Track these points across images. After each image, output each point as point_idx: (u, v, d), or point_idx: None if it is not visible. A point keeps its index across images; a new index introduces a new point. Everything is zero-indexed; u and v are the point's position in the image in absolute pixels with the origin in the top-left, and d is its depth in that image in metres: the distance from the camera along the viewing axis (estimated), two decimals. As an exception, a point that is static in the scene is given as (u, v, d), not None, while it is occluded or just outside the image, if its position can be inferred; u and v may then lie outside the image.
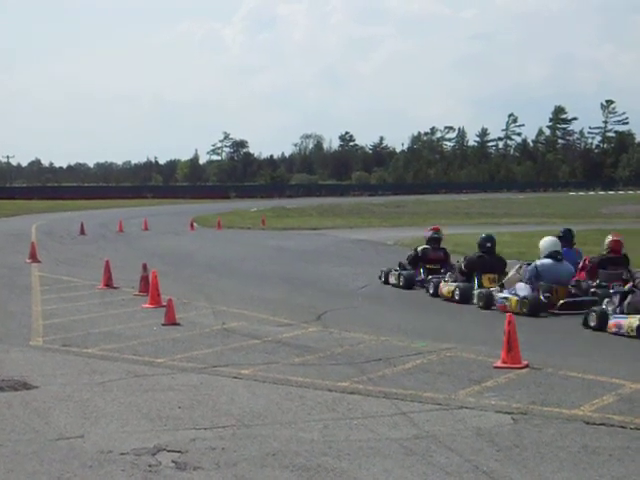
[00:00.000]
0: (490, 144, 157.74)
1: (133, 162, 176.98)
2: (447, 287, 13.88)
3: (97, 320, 11.81)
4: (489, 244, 14.15)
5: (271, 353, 9.40)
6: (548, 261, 12.65)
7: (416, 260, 15.76)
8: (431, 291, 14.35)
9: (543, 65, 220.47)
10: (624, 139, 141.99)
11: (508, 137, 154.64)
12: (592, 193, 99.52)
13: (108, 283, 15.25)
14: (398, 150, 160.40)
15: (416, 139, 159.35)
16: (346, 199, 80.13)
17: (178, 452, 5.80)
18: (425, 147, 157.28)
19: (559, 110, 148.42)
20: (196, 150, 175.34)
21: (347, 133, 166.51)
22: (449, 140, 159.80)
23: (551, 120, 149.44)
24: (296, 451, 5.81)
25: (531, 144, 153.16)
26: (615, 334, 10.45)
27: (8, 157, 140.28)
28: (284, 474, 5.37)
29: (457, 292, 13.52)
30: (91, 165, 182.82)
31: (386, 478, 5.32)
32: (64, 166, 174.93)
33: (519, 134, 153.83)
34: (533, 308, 11.98)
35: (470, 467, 5.46)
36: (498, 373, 8.18)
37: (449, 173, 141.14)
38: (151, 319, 11.72)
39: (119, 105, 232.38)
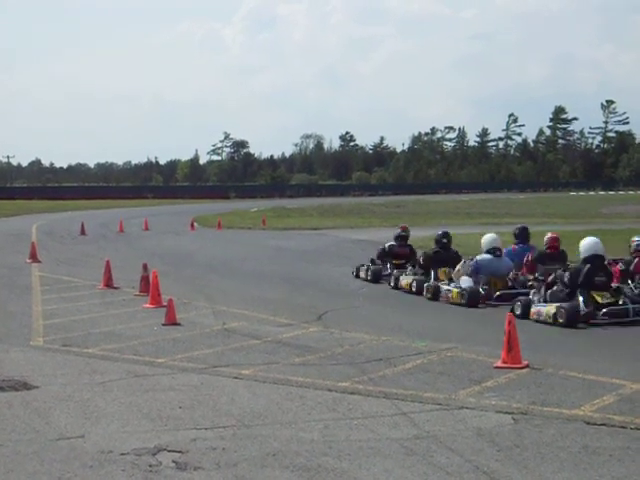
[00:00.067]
0: (490, 144, 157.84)
1: (133, 162, 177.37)
2: (405, 280, 15.17)
3: (97, 320, 11.82)
4: (445, 240, 15.32)
5: (271, 353, 9.40)
6: (487, 256, 13.76)
7: (384, 255, 17.05)
8: (392, 284, 15.50)
9: (543, 65, 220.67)
10: (624, 139, 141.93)
11: (508, 137, 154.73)
12: (592, 193, 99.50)
13: (108, 283, 15.25)
14: (398, 150, 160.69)
15: (416, 139, 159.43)
16: (346, 199, 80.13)
17: (179, 452, 5.80)
18: (425, 147, 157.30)
19: (559, 110, 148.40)
20: (196, 150, 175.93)
21: (347, 133, 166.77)
22: (449, 140, 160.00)
23: (551, 120, 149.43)
24: (296, 451, 5.81)
25: (531, 144, 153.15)
26: (536, 321, 11.52)
27: (8, 157, 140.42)
28: (284, 474, 5.37)
29: (414, 284, 14.70)
30: (91, 165, 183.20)
31: (386, 478, 5.32)
32: (64, 166, 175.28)
33: (519, 134, 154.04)
34: (471, 299, 13.07)
35: (471, 467, 5.46)
36: (498, 373, 8.18)
37: (449, 173, 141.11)
38: (151, 319, 11.72)
39: (119, 105, 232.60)
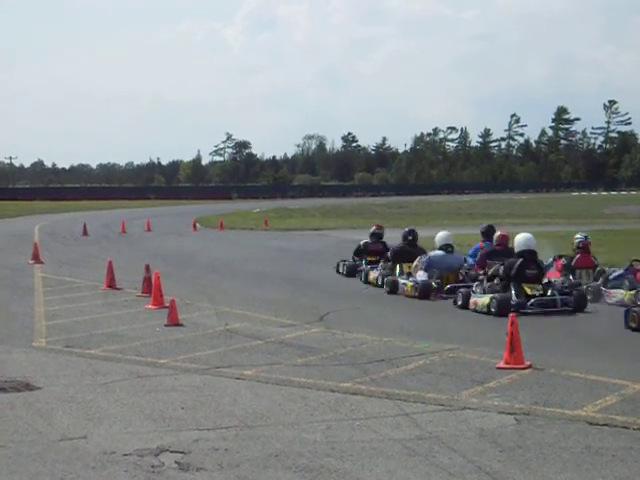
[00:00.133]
0: (493, 145, 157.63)
1: (136, 163, 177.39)
2: (373, 274, 16.18)
3: (100, 321, 11.82)
4: (410, 237, 16.15)
5: (274, 354, 9.40)
6: (440, 252, 14.82)
7: (360, 252, 18.02)
8: (363, 279, 16.55)
9: (545, 65, 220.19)
10: (627, 139, 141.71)
11: (511, 137, 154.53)
12: (595, 193, 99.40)
13: (111, 284, 15.25)
14: (401, 151, 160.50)
15: (419, 140, 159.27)
16: (348, 200, 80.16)
17: (181, 453, 5.80)
18: (428, 148, 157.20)
19: (561, 110, 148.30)
20: (198, 151, 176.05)
21: (349, 134, 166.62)
22: (452, 141, 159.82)
23: (554, 120, 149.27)
24: (299, 452, 5.82)
25: (534, 144, 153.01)
26: (474, 310, 12.53)
27: (11, 158, 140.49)
28: (287, 475, 5.37)
29: (380, 279, 15.60)
30: (94, 166, 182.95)
31: (389, 479, 5.32)
32: (67, 167, 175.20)
33: (522, 134, 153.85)
34: (423, 292, 13.97)
35: (473, 468, 5.46)
36: (501, 374, 8.18)
37: (452, 174, 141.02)
38: (154, 320, 11.73)
39: (119, 105, 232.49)
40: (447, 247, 14.87)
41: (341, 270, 17.98)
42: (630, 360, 9.08)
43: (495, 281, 13.02)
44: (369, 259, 17.50)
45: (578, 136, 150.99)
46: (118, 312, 12.67)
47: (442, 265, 14.55)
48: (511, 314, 8.89)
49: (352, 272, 17.45)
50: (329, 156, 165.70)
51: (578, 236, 15.20)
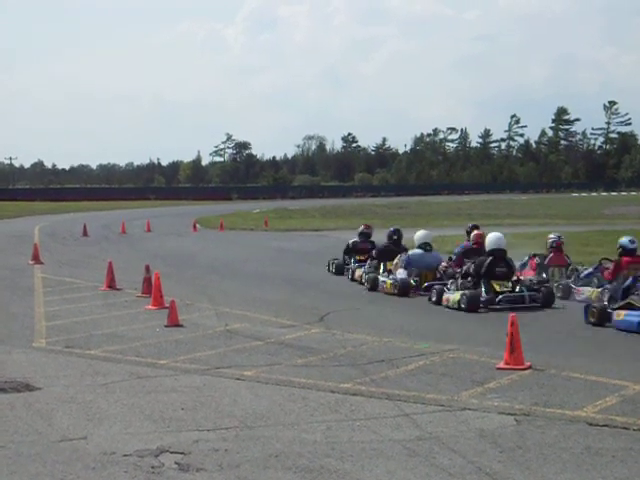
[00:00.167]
0: (493, 145, 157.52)
1: (136, 164, 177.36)
2: (358, 272, 16.64)
3: (100, 321, 11.83)
4: (395, 236, 16.59)
5: (274, 354, 9.40)
6: (418, 251, 15.22)
7: (349, 251, 18.46)
8: (350, 276, 17.06)
9: (545, 66, 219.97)
10: (627, 140, 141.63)
11: (511, 138, 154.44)
12: (595, 194, 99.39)
13: (111, 284, 15.26)
14: (401, 151, 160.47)
15: (419, 140, 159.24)
16: (349, 200, 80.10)
17: (181, 454, 5.81)
18: (428, 148, 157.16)
19: (562, 111, 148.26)
20: (198, 152, 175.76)
21: (350, 134, 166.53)
22: (452, 141, 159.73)
23: (554, 121, 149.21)
24: (299, 452, 5.82)
25: (534, 145, 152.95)
26: (446, 307, 12.98)
27: (11, 158, 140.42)
28: (287, 475, 5.37)
29: (364, 277, 15.93)
30: (94, 167, 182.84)
31: (389, 479, 5.32)
32: (67, 168, 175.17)
33: (522, 135, 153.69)
34: (402, 289, 14.39)
35: (473, 468, 5.47)
36: (501, 374, 8.18)
37: (452, 174, 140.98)
38: (154, 320, 11.73)
39: (119, 105, 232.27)
40: (426, 246, 15.30)
41: (331, 268, 18.54)
42: (630, 361, 9.09)
43: (468, 279, 13.44)
44: (358, 257, 17.96)
45: (578, 137, 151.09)
46: (118, 313, 12.67)
47: (420, 264, 14.99)
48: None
49: (340, 270, 18.03)
50: (329, 156, 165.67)
51: (551, 236, 15.92)
